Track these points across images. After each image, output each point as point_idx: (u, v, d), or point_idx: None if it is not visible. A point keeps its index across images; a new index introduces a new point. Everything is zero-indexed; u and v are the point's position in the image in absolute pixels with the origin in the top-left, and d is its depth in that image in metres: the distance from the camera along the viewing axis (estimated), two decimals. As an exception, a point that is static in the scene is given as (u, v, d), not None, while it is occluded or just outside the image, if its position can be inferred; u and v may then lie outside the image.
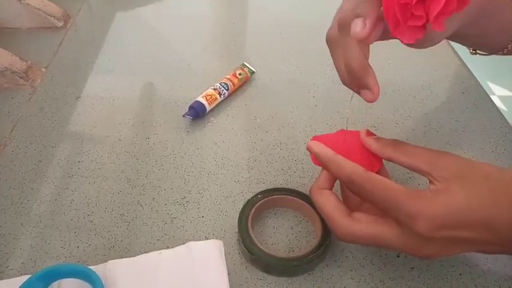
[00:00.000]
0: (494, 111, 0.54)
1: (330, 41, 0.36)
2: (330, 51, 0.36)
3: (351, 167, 0.33)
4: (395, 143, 0.35)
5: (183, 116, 0.51)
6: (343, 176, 0.33)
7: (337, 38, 0.34)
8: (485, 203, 0.30)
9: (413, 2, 0.27)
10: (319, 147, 0.36)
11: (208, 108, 0.52)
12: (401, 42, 0.30)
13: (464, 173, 0.31)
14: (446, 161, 0.32)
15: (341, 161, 0.34)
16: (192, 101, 0.52)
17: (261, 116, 0.53)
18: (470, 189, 0.30)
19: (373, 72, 0.33)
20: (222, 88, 0.53)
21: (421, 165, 0.32)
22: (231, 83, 0.54)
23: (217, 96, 0.53)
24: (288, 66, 0.61)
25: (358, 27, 0.30)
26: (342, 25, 0.32)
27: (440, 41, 0.36)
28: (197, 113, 0.51)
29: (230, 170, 0.46)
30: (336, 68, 0.36)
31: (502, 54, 0.46)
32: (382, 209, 0.32)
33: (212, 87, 0.53)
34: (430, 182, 0.32)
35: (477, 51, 0.47)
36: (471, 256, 0.38)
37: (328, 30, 0.36)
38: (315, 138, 0.38)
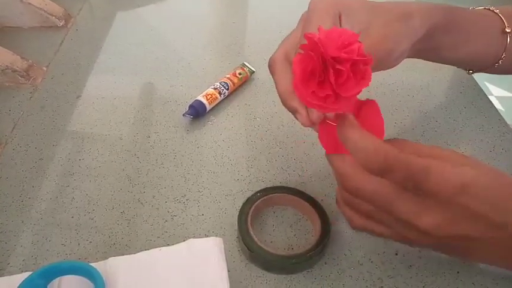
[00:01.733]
0: (492, 111, 0.54)
1: (270, 66, 0.38)
2: (271, 75, 0.38)
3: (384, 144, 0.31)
4: (404, 142, 0.33)
5: (183, 115, 0.51)
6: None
7: (277, 64, 0.37)
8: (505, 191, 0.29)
9: (314, 89, 0.30)
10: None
11: (208, 107, 0.52)
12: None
13: (469, 163, 0.30)
14: (447, 154, 0.32)
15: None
16: (192, 100, 0.52)
17: (261, 115, 0.53)
18: (487, 175, 0.29)
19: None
20: (222, 87, 0.54)
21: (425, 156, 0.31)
22: (231, 82, 0.55)
23: (218, 95, 0.53)
24: (288, 66, 0.61)
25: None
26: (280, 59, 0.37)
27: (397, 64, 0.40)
28: (197, 112, 0.51)
29: (230, 168, 0.46)
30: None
31: (495, 72, 0.48)
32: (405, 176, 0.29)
33: (212, 87, 0.54)
34: None
35: (473, 70, 0.49)
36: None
37: (272, 55, 0.38)
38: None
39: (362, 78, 0.30)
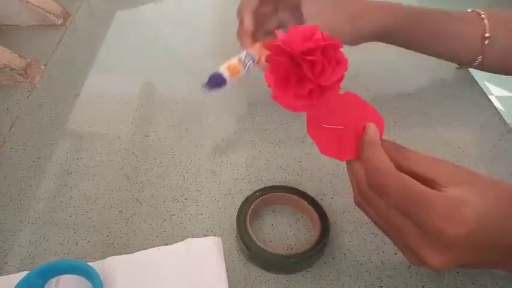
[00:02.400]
0: (492, 110, 0.54)
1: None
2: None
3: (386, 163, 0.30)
4: (398, 147, 0.33)
5: (203, 86, 0.44)
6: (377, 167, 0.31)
7: None
8: (503, 211, 0.29)
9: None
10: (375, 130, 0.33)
11: (228, 81, 0.44)
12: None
13: (469, 181, 0.30)
14: (448, 168, 0.31)
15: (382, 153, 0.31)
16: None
17: (260, 115, 0.53)
18: (486, 196, 0.29)
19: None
20: (249, 59, 0.44)
21: (425, 171, 0.30)
22: (258, 56, 0.46)
23: (241, 69, 0.44)
24: (287, 65, 0.61)
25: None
26: None
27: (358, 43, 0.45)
28: (215, 85, 0.44)
29: (229, 167, 0.46)
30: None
31: (477, 68, 0.52)
32: (405, 210, 0.29)
33: (237, 57, 0.45)
34: (434, 188, 0.30)
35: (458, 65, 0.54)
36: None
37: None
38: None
39: (337, 64, 0.29)
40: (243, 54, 0.45)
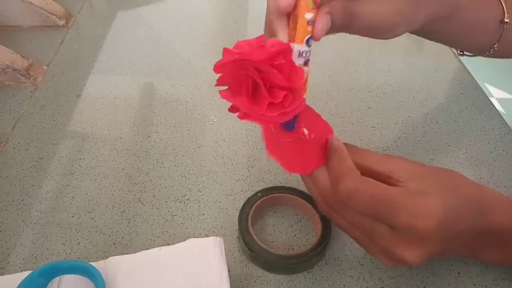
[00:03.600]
0: (493, 112, 0.54)
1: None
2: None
3: (350, 167, 0.31)
4: (350, 146, 0.33)
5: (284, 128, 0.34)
6: (342, 171, 0.31)
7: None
8: (460, 200, 0.30)
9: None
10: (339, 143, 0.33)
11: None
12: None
13: (421, 173, 0.31)
14: (400, 163, 0.32)
15: (347, 157, 0.32)
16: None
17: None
18: (442, 187, 0.30)
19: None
20: (306, 55, 0.31)
21: (380, 168, 0.31)
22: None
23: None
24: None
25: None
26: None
27: (400, 34, 0.37)
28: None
29: (230, 168, 0.46)
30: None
31: (488, 56, 0.47)
32: (373, 214, 0.30)
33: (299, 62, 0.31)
34: (391, 184, 0.31)
35: (464, 52, 0.47)
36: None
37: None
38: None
39: (295, 67, 0.29)
40: (300, 50, 0.30)
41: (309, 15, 0.29)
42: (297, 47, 0.30)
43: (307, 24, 0.29)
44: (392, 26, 0.35)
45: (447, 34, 0.43)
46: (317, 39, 0.30)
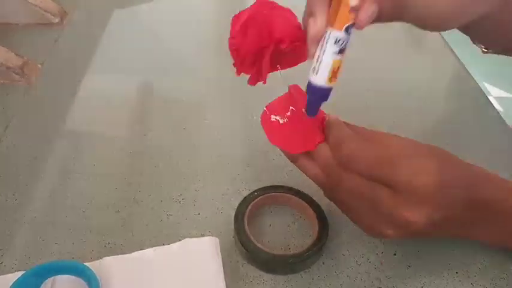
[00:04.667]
0: (491, 110, 0.54)
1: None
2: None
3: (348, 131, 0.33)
4: (348, 124, 0.34)
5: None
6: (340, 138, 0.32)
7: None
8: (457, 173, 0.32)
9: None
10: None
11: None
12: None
13: (416, 145, 0.33)
14: (398, 142, 0.33)
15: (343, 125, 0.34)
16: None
17: (258, 114, 0.52)
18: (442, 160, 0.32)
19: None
20: (345, 41, 0.30)
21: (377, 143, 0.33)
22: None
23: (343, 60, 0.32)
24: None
25: (311, 27, 0.31)
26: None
27: (451, 28, 0.35)
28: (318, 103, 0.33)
29: (227, 167, 0.46)
30: None
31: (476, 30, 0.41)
32: (375, 174, 0.31)
33: (332, 50, 0.30)
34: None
35: (489, 49, 0.44)
36: (468, 255, 0.38)
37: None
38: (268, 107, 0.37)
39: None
40: (338, 37, 0.30)
41: (353, 1, 0.28)
42: (335, 34, 0.29)
43: (350, 11, 0.28)
44: (445, 20, 0.34)
45: (493, 29, 0.39)
46: (360, 28, 0.29)
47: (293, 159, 0.35)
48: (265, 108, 0.36)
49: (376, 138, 0.33)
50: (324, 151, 0.33)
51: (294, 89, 0.36)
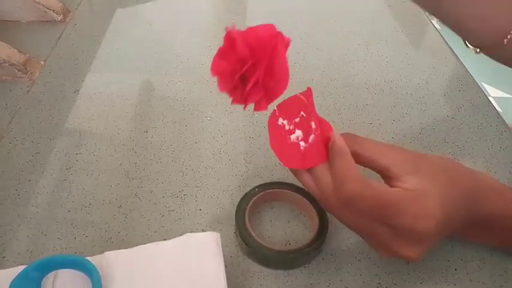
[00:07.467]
0: (491, 109, 0.54)
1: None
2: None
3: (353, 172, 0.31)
4: (350, 136, 0.33)
5: None
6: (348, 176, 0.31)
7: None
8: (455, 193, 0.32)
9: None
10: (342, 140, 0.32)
11: None
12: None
13: (421, 166, 0.32)
14: (398, 156, 0.32)
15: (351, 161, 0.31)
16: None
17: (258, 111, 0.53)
18: (439, 183, 0.31)
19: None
20: None
21: (379, 159, 0.32)
22: None
23: None
24: (287, 63, 0.61)
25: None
26: None
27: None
28: None
29: (228, 163, 0.46)
30: None
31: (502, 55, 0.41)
32: (376, 216, 0.31)
33: None
34: (389, 177, 0.32)
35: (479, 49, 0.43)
36: (466, 251, 0.39)
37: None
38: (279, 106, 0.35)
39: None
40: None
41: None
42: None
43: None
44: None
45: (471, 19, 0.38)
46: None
47: (294, 172, 0.35)
48: (275, 108, 0.35)
49: (379, 161, 0.32)
50: (325, 178, 0.32)
51: (309, 93, 0.34)
